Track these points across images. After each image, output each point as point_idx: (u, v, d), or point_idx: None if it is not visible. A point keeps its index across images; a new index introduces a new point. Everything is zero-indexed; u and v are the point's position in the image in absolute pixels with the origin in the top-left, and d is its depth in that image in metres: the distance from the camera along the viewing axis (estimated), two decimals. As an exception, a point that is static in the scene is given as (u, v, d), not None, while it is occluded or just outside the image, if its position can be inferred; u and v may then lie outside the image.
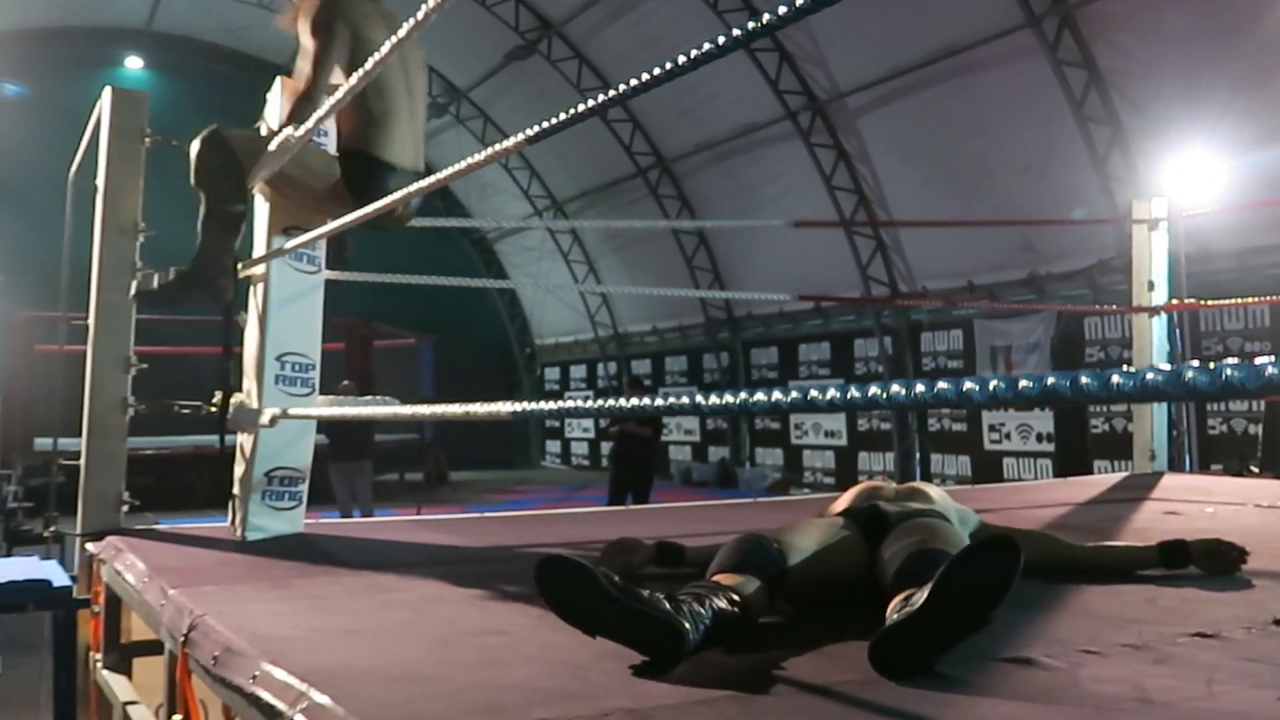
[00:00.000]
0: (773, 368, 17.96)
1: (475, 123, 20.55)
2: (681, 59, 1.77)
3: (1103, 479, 5.68)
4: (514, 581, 2.59)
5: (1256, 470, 7.64)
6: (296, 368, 3.46)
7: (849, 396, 1.43)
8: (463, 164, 2.22)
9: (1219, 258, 10.27)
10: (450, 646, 2.05)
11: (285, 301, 3.40)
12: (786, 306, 16.87)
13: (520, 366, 24.82)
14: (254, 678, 1.85)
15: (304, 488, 3.57)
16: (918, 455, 14.89)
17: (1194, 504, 4.26)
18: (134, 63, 20.75)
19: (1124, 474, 5.76)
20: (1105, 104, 11.34)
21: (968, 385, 1.28)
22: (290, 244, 3.17)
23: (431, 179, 2.45)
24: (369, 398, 4.75)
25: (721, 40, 1.74)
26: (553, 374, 24.41)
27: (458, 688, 1.75)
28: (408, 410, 2.90)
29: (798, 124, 15.05)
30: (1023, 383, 1.24)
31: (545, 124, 2.02)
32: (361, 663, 1.91)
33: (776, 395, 1.50)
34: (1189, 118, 10.01)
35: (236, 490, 3.50)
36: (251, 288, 3.47)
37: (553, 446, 24.27)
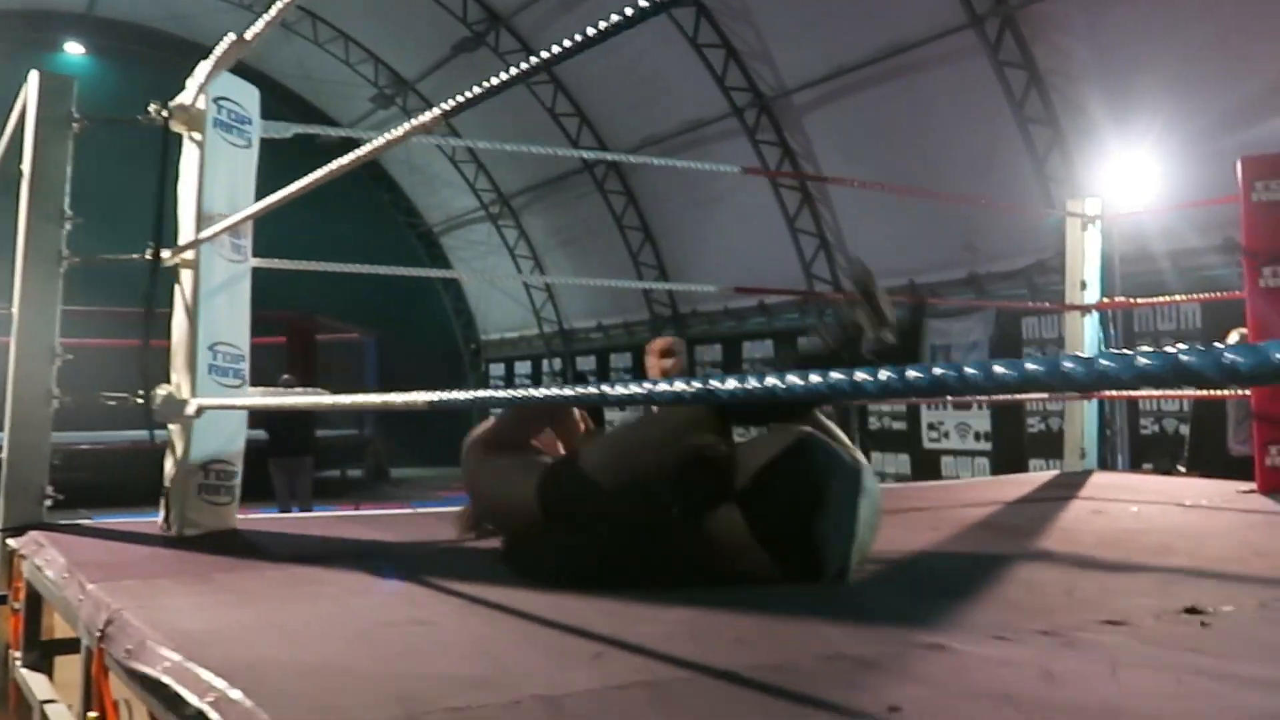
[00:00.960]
0: (717, 365, 18.02)
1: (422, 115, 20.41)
2: (609, 23, 1.78)
3: (1034, 477, 5.77)
4: (441, 573, 2.58)
5: (1184, 469, 7.77)
6: (228, 358, 3.42)
7: (787, 385, 1.44)
8: (381, 139, 2.21)
9: (1154, 258, 10.46)
10: (371, 638, 2.04)
11: (216, 290, 3.36)
12: (731, 304, 16.93)
13: (465, 362, 24.71)
14: (167, 671, 1.83)
15: (238, 482, 3.53)
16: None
17: (1120, 502, 4.34)
18: (74, 48, 20.36)
19: (1055, 472, 5.85)
20: (1045, 104, 11.50)
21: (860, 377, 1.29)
22: (216, 228, 3.13)
23: (353, 154, 2.43)
24: (303, 389, 4.70)
25: (641, 3, 1.75)
26: (498, 370, 24.33)
27: (374, 679, 1.74)
28: (328, 400, 2.87)
29: (744, 121, 15.11)
30: (911, 373, 1.25)
31: (466, 95, 2.02)
32: (279, 656, 1.89)
33: (714, 383, 1.51)
34: (1125, 119, 10.17)
35: (168, 485, 3.45)
36: (179, 276, 3.42)
37: (498, 443, 24.14)
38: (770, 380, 1.48)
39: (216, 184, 3.37)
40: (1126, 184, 9.48)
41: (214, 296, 3.37)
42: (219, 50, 3.18)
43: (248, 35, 2.94)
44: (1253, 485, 4.65)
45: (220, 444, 3.44)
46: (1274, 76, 9.38)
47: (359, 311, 17.90)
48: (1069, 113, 11.30)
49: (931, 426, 14.02)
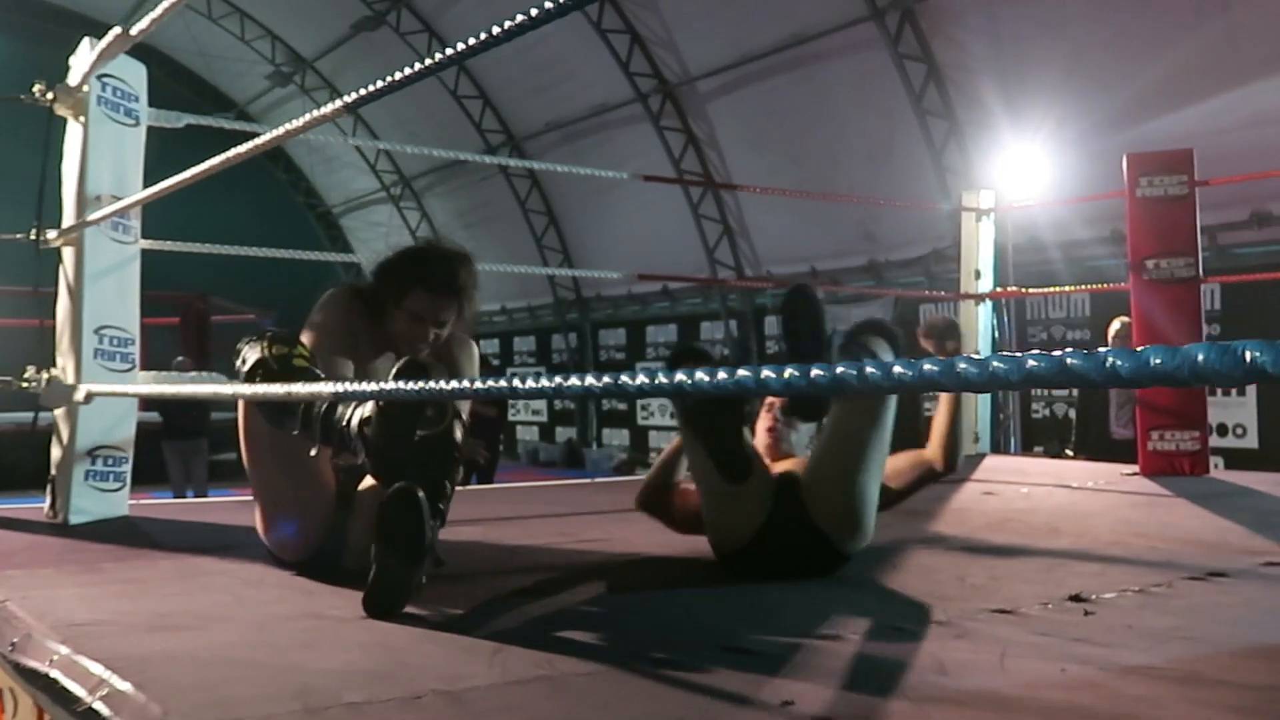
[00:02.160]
0: (620, 349, 18.05)
1: (321, 94, 20.01)
2: (518, 20, 1.77)
3: (930, 460, 5.87)
4: (338, 564, 2.55)
5: (1072, 453, 8.02)
6: (116, 342, 3.32)
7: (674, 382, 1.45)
8: (279, 131, 2.17)
9: (1046, 248, 10.73)
10: (266, 630, 2.01)
11: (102, 273, 3.25)
12: (635, 289, 16.96)
13: (366, 345, 24.34)
14: (52, 663, 1.78)
15: (128, 468, 3.44)
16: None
17: (1011, 485, 4.46)
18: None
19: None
20: (943, 97, 11.71)
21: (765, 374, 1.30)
22: (104, 211, 3.04)
23: (250, 144, 2.38)
24: (200, 374, 4.59)
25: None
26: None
27: (270, 672, 1.72)
28: (221, 389, 2.80)
29: (648, 107, 15.12)
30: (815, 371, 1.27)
31: (372, 87, 1.99)
32: (171, 648, 1.85)
33: (624, 379, 1.50)
34: (1019, 113, 10.41)
35: (55, 472, 3.34)
36: (62, 257, 3.31)
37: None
38: (679, 377, 1.48)
39: (102, 164, 3.27)
40: (1020, 177, 9.71)
41: (100, 279, 3.27)
42: (103, 43, 3.08)
43: (133, 30, 2.85)
44: (1136, 468, 4.83)
45: (108, 429, 3.35)
46: (1161, 76, 9.68)
47: (256, 291, 17.49)
48: (965, 106, 11.53)
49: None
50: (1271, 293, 8.61)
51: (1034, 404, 11.53)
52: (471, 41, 1.86)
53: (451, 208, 20.23)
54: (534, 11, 1.92)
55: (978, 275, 5.80)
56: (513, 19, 1.82)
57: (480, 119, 17.89)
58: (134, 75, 3.39)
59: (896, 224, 12.42)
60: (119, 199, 3.17)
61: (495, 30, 1.86)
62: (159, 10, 2.54)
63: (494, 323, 20.77)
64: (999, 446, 10.89)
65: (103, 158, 3.28)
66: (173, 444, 10.47)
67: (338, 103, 2.00)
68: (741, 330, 15.50)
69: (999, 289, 6.04)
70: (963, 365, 0.98)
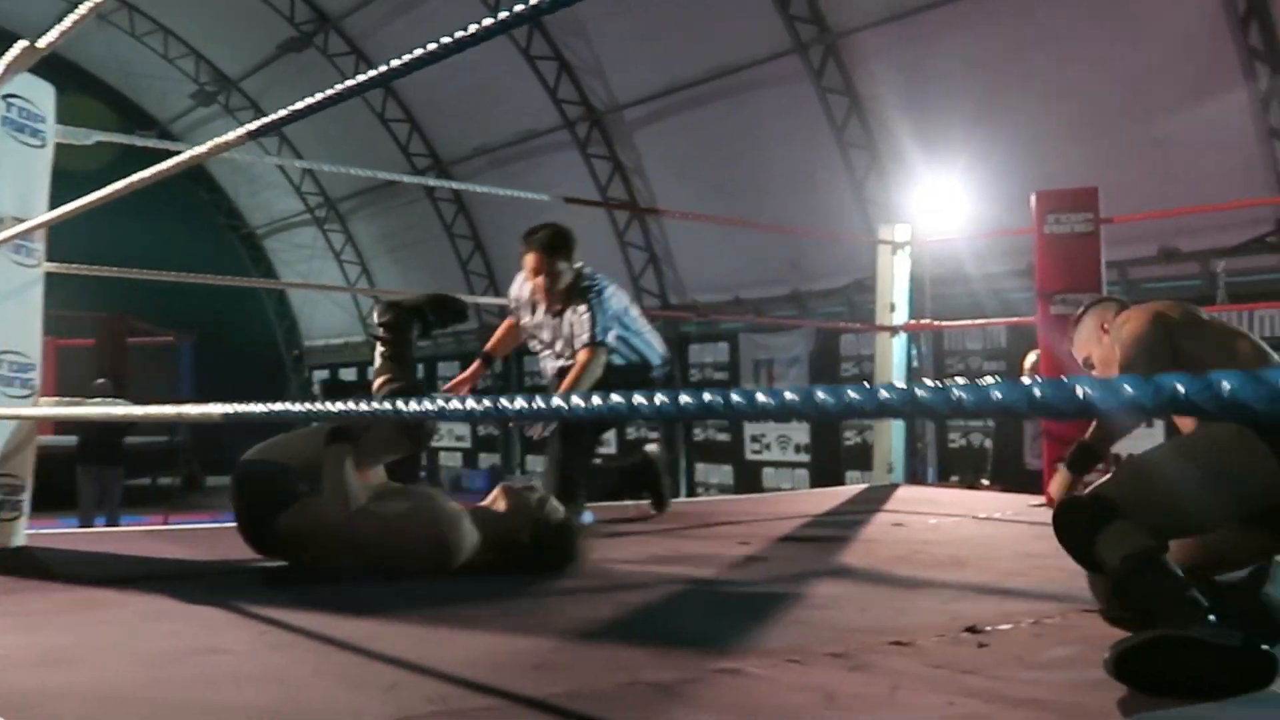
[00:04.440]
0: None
1: (246, 114, 19.77)
2: (445, 40, 1.78)
3: (845, 490, 5.97)
4: (241, 596, 2.51)
5: (987, 482, 8.15)
6: (15, 367, 3.25)
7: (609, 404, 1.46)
8: (188, 154, 2.15)
9: (966, 280, 10.93)
10: (164, 666, 1.97)
11: (2, 296, 3.18)
12: (561, 314, 16.94)
13: (287, 368, 24.03)
14: (-68, 703, 1.73)
15: (26, 496, 3.35)
16: (683, 464, 15.23)
17: (920, 515, 4.53)
18: None
19: (865, 485, 6.06)
20: (864, 130, 11.93)
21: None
22: (5, 234, 2.98)
23: (162, 165, 2.35)
24: (109, 400, 4.50)
25: (485, 23, 1.76)
26: (322, 376, 23.73)
27: (167, 709, 1.69)
28: (119, 411, 2.76)
29: (575, 134, 15.18)
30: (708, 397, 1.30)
31: (292, 109, 1.98)
32: (59, 685, 1.81)
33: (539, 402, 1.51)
34: (936, 148, 10.62)
35: (-52, 501, 3.25)
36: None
37: (320, 451, 23.55)
38: (556, 401, 1.50)
39: (5, 184, 3.20)
40: (938, 210, 9.91)
41: (1, 302, 3.19)
42: (8, 57, 3.03)
43: (40, 44, 2.81)
44: (1043, 499, 4.92)
45: (3, 457, 3.27)
46: (1073, 113, 9.96)
47: (176, 313, 17.18)
48: (886, 139, 11.74)
49: (754, 439, 14.33)
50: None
51: (951, 434, 11.71)
52: (395, 63, 1.86)
53: (377, 231, 20.09)
54: (458, 34, 1.93)
55: (893, 308, 5.90)
56: (437, 41, 1.83)
57: (407, 143, 17.82)
58: (41, 96, 3.32)
59: (820, 254, 12.59)
60: (22, 220, 3.11)
61: (418, 52, 1.87)
62: (67, 22, 2.50)
63: (419, 347, 20.58)
64: (917, 476, 11.09)
65: (6, 179, 3.21)
66: (87, 469, 10.23)
67: (242, 130, 1.99)
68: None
69: (913, 321, 6.14)
70: (886, 393, 1.01)
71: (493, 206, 17.38)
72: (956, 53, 10.65)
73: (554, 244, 4.11)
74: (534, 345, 4.45)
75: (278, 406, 1.68)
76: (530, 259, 4.12)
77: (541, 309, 4.26)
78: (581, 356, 4.02)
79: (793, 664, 1.97)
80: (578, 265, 4.17)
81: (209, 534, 4.15)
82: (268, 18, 17.04)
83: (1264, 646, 1.84)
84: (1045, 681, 1.88)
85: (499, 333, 4.62)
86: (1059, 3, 9.96)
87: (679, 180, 14.32)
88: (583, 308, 4.10)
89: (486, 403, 1.50)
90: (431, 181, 9.35)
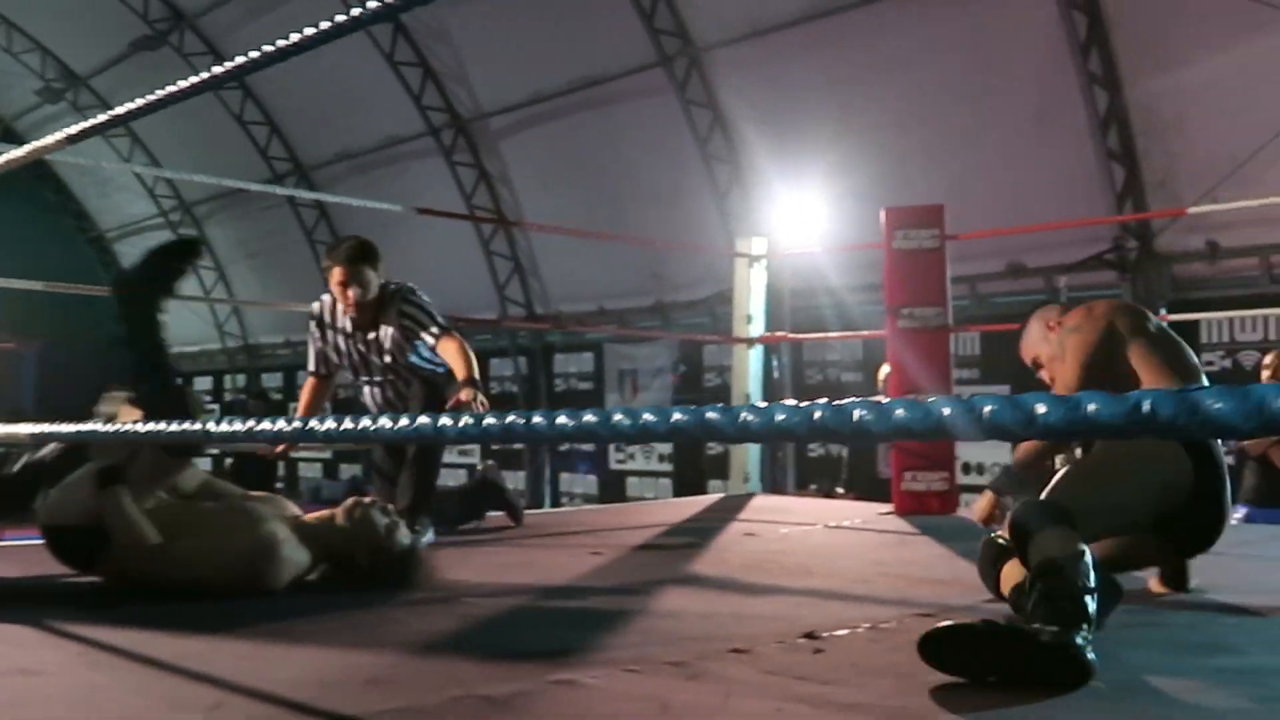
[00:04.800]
0: (410, 384, 17.76)
1: (95, 113, 18.98)
2: (295, 36, 1.74)
3: (702, 499, 6.02)
4: (59, 615, 2.40)
5: (843, 491, 8.35)
6: None
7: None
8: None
9: (827, 293, 11.14)
10: (-33, 690, 1.87)
11: None
12: (426, 324, 16.73)
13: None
14: None
15: None
16: (548, 474, 15.20)
17: (772, 524, 4.60)
18: None
19: (723, 494, 6.13)
20: (727, 143, 12.10)
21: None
22: None
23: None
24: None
25: (338, 19, 1.73)
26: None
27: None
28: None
29: (440, 141, 15.03)
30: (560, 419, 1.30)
31: (123, 109, 1.90)
32: None
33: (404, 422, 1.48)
34: (796, 163, 10.81)
35: None
36: None
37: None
38: (422, 419, 1.49)
39: None
40: (798, 223, 10.11)
41: None
42: None
43: None
44: (892, 507, 5.05)
45: None
46: (926, 136, 10.28)
47: (19, 319, 16.44)
48: (747, 153, 11.92)
49: (618, 448, 14.38)
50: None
51: (810, 444, 11.95)
52: (240, 60, 1.81)
53: (234, 236, 19.54)
54: (309, 31, 1.90)
55: (749, 319, 5.99)
56: (286, 37, 1.79)
57: (267, 146, 17.39)
58: None
59: (683, 265, 12.70)
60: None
61: (268, 48, 1.82)
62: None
63: (278, 355, 20.14)
64: (777, 484, 11.27)
65: None
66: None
67: (60, 135, 1.90)
68: (530, 367, 15.50)
69: (769, 333, 6.24)
70: (747, 414, 1.01)
71: (356, 213, 17.05)
72: (816, 70, 10.88)
73: (360, 254, 3.98)
74: (346, 376, 4.25)
75: (86, 427, 1.62)
76: (337, 272, 3.95)
77: (346, 333, 4.10)
78: (446, 344, 3.93)
79: (630, 673, 1.97)
80: (382, 282, 4.08)
81: (31, 551, 3.95)
82: (120, 14, 16.44)
83: (1083, 649, 1.91)
84: (874, 686, 1.92)
85: (305, 397, 4.32)
86: (913, 27, 10.27)
87: (545, 189, 14.30)
88: (407, 308, 4.03)
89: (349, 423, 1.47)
90: (279, 190, 9.12)
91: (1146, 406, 0.70)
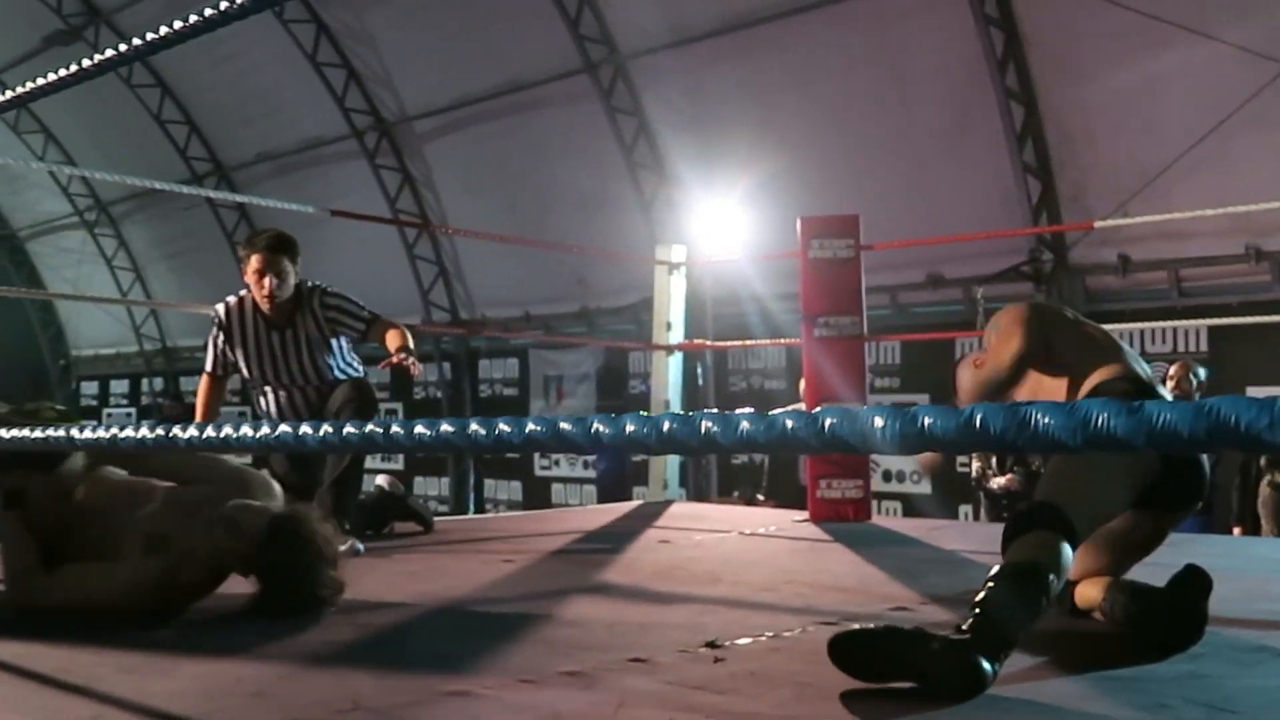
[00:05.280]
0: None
1: (7, 110, 18.58)
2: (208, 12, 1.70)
3: (621, 506, 6.01)
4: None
5: (763, 498, 8.37)
6: None
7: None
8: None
9: (745, 301, 11.21)
10: None
11: None
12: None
13: (53, 379, 22.61)
14: None
15: None
16: (472, 480, 15.09)
17: (687, 531, 4.60)
18: None
19: (641, 501, 6.12)
20: (652, 151, 12.12)
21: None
22: None
23: None
24: None
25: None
26: (90, 388, 22.43)
27: None
28: None
29: (364, 144, 14.87)
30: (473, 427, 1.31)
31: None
32: None
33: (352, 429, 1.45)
34: (718, 171, 10.86)
35: None
36: None
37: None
38: (349, 429, 1.46)
39: None
40: (719, 232, 10.16)
41: None
42: None
43: None
44: (807, 514, 5.08)
45: None
46: (846, 146, 10.40)
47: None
48: (672, 161, 11.95)
49: (543, 454, 14.31)
50: (944, 348, 9.37)
51: (733, 450, 11.98)
52: (137, 42, 1.76)
53: (151, 236, 19.15)
54: (209, 12, 1.87)
55: (669, 327, 6.00)
56: (186, 20, 1.75)
57: (186, 146, 17.08)
58: None
59: (608, 272, 12.69)
60: None
61: (166, 29, 1.77)
62: None
63: (196, 359, 19.70)
64: (701, 491, 11.31)
65: None
66: None
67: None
68: (455, 373, 15.39)
69: (688, 340, 6.25)
70: (670, 423, 1.00)
71: (277, 214, 16.79)
72: (737, 80, 10.96)
73: (280, 244, 3.93)
74: (251, 380, 4.11)
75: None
76: (255, 259, 3.88)
77: (258, 332, 4.00)
78: (380, 326, 3.92)
79: (525, 684, 1.95)
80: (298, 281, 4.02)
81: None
82: (32, 8, 16.03)
83: (980, 658, 1.91)
84: (771, 695, 1.92)
85: (203, 398, 4.18)
86: (835, 39, 10.37)
87: (469, 194, 14.21)
88: (330, 300, 3.99)
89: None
90: (192, 190, 8.94)
91: (978, 421, 0.70)
